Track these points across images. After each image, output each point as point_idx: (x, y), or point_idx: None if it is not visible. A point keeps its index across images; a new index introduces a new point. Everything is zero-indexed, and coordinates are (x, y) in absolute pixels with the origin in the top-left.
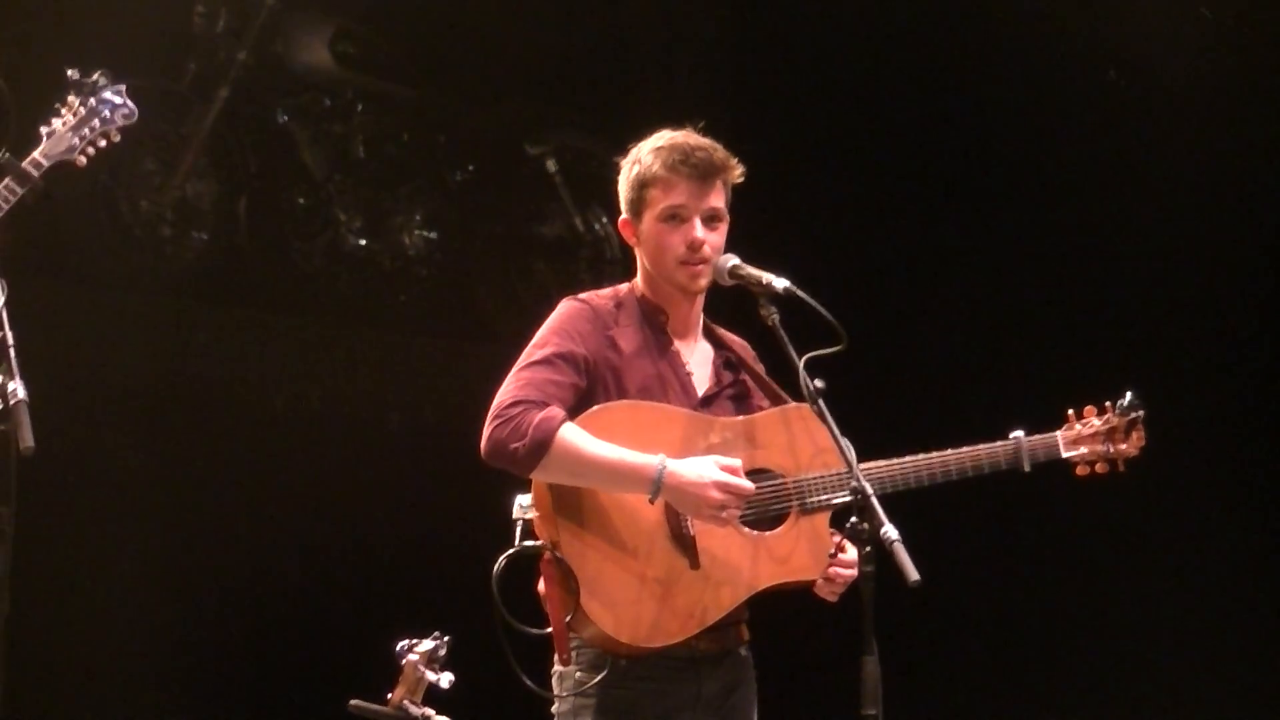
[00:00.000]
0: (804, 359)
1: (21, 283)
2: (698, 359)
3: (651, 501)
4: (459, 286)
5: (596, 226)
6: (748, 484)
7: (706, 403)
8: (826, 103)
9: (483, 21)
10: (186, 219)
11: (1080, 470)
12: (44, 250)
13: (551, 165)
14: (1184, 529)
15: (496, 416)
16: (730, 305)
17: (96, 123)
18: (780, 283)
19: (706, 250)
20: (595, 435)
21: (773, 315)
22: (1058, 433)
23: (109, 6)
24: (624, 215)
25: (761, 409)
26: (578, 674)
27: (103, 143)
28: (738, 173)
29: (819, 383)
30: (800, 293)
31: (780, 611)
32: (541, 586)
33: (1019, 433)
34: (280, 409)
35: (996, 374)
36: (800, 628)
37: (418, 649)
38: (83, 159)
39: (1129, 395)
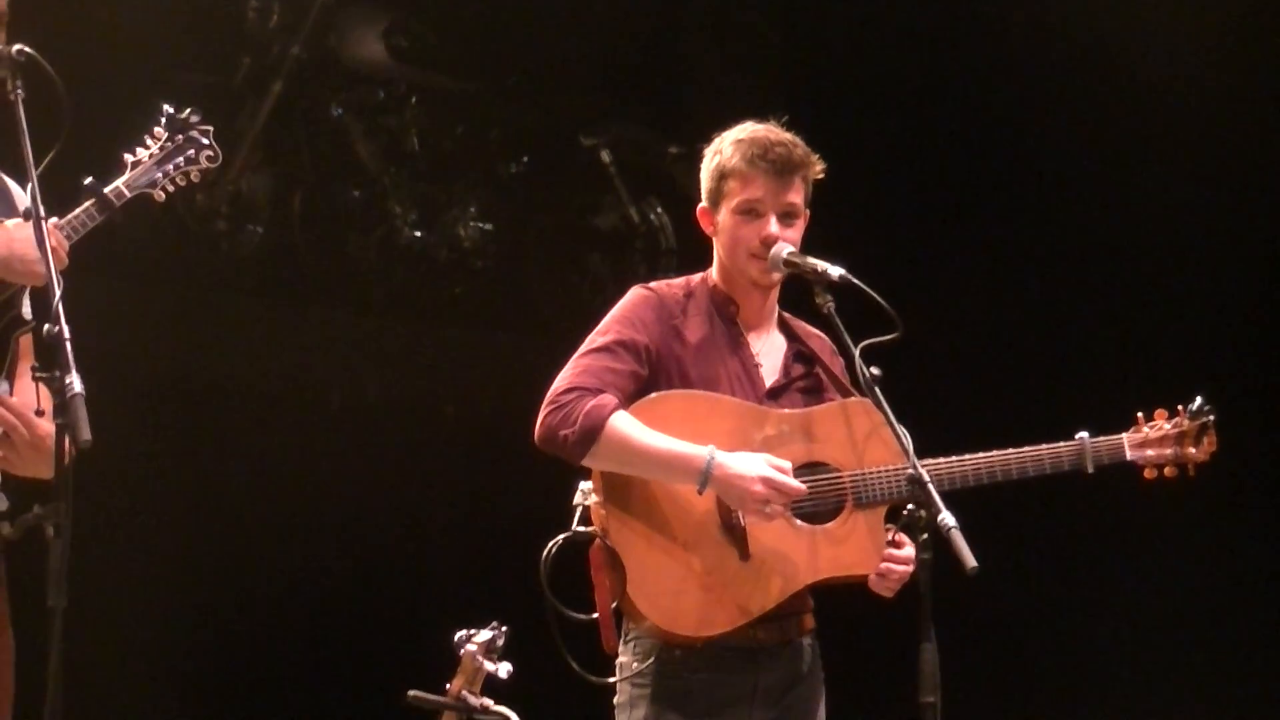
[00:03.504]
0: (860, 347)
1: (77, 278)
2: (768, 351)
3: (700, 493)
4: (514, 278)
5: (651, 217)
6: (796, 484)
7: (774, 395)
8: (883, 92)
9: (536, 13)
10: (241, 213)
11: (1148, 474)
12: (99, 246)
13: (606, 156)
14: (1242, 528)
15: (550, 403)
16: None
17: (181, 160)
18: (835, 271)
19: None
20: (648, 424)
21: (828, 303)
22: (1124, 435)
23: (163, 2)
24: (703, 204)
25: (818, 396)
26: (635, 664)
27: (183, 181)
28: (818, 169)
29: (875, 370)
30: (856, 280)
31: (838, 599)
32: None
33: (1084, 434)
34: (336, 402)
35: (1064, 374)
36: (857, 614)
37: (475, 639)
38: (162, 195)
39: (1199, 399)
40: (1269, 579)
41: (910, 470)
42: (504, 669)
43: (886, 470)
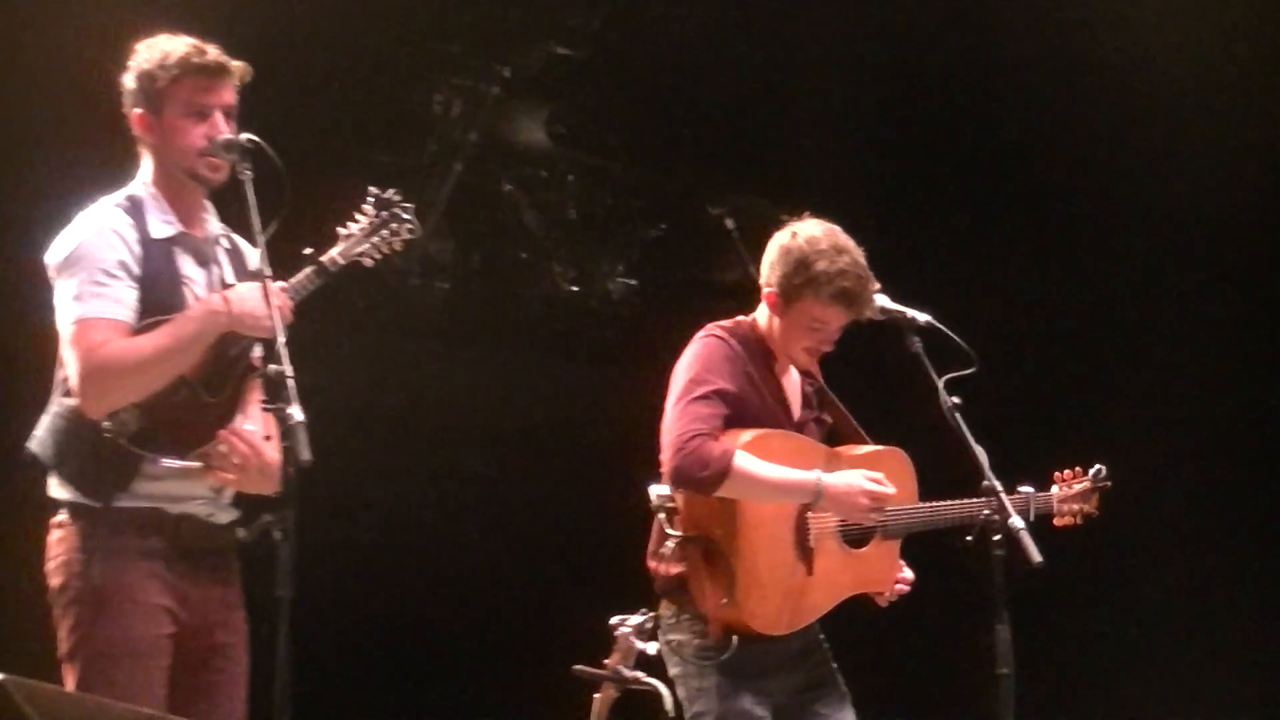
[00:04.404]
0: (942, 380)
1: (299, 327)
2: (791, 389)
3: (809, 509)
4: (654, 325)
5: None
6: (890, 489)
7: (799, 426)
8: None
9: (671, 104)
10: (430, 271)
11: (1058, 521)
12: (316, 300)
13: (729, 223)
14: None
15: (679, 449)
16: None
17: (386, 233)
18: (922, 317)
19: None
20: (758, 457)
21: (915, 344)
22: (1052, 492)
23: (366, 96)
24: (772, 289)
25: (824, 425)
26: (695, 641)
27: (388, 250)
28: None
29: (955, 399)
30: (939, 325)
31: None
32: (671, 568)
33: (1028, 488)
34: (508, 429)
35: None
36: (931, 602)
37: (629, 623)
38: (369, 261)
39: (1101, 468)
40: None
41: (985, 482)
42: (652, 647)
43: (907, 509)
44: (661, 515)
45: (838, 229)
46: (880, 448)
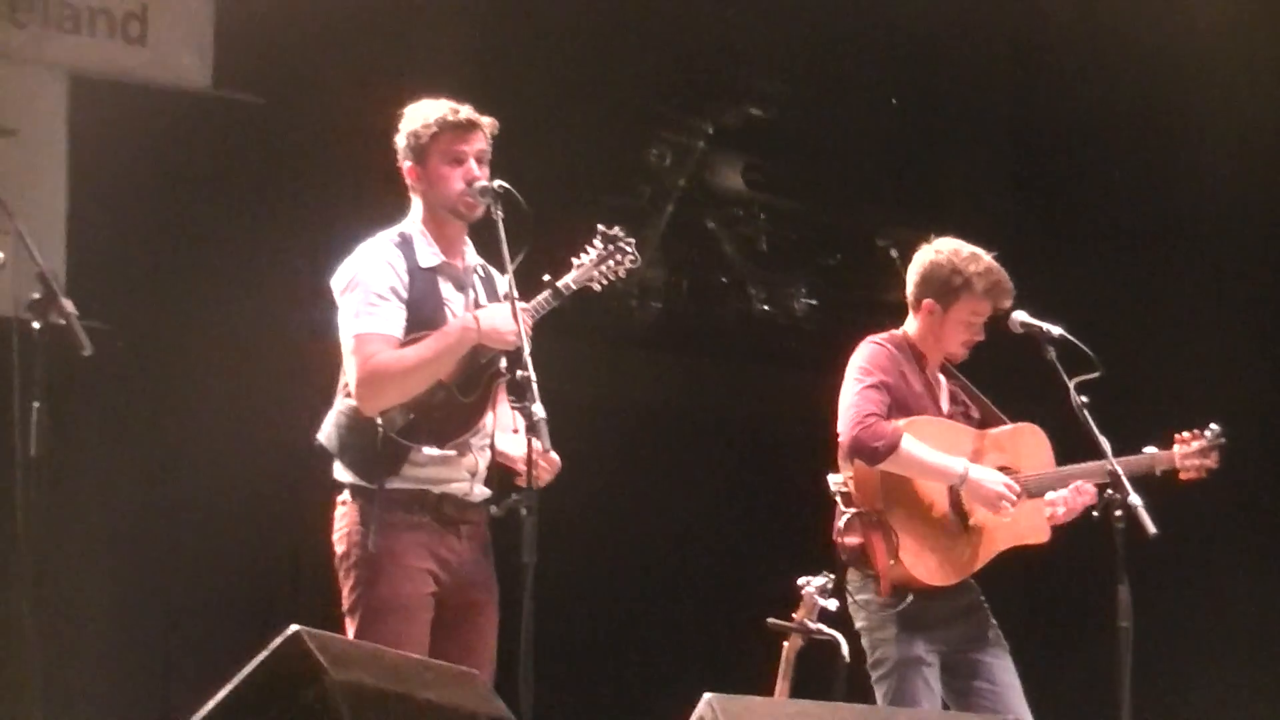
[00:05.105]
0: (1073, 381)
1: (539, 340)
2: (939, 387)
3: (952, 491)
4: (832, 338)
5: None
6: (1018, 488)
7: (949, 419)
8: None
9: (845, 155)
10: (646, 293)
11: (1183, 475)
12: (552, 317)
13: (894, 252)
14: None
15: (859, 424)
16: None
17: (611, 263)
18: (1056, 330)
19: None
20: (916, 439)
21: (1050, 353)
22: (1175, 449)
23: (595, 149)
24: (929, 299)
25: (971, 419)
26: (876, 599)
27: (613, 278)
28: None
29: (1084, 398)
30: (1070, 337)
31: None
32: (851, 539)
33: (1152, 448)
34: (710, 425)
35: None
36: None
37: (813, 583)
38: (597, 286)
39: (1216, 426)
40: None
41: (1108, 465)
42: (833, 604)
43: (1043, 473)
44: (838, 497)
45: (962, 242)
46: (1020, 424)
